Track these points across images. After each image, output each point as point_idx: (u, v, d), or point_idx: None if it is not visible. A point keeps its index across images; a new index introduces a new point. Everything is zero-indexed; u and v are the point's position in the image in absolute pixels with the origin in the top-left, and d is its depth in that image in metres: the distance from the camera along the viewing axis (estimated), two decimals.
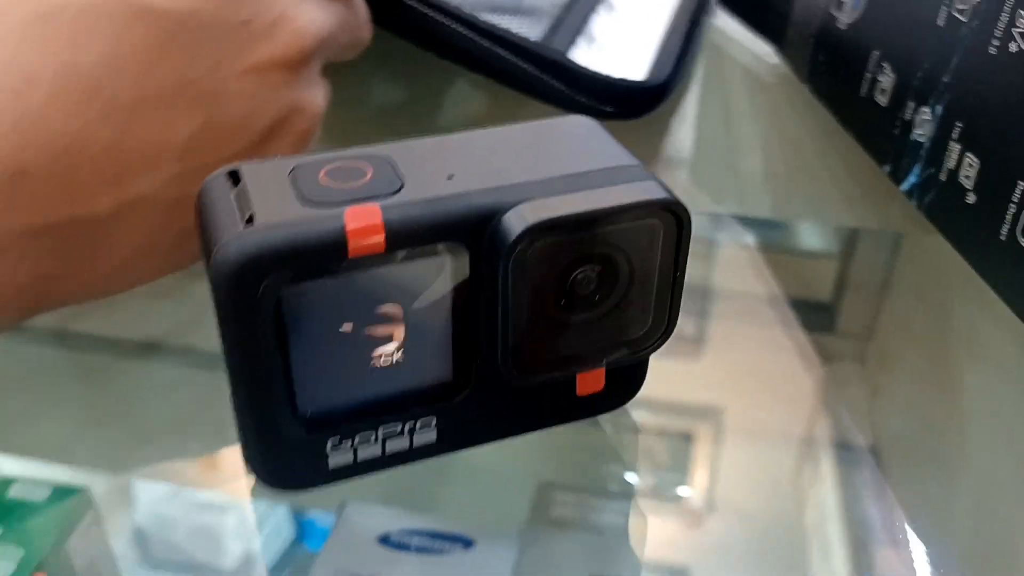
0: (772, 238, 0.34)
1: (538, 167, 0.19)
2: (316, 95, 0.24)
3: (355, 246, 0.17)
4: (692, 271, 0.20)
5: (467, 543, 0.21)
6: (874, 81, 0.30)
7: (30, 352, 0.26)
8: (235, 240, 0.16)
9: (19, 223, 0.19)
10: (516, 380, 0.20)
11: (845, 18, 0.32)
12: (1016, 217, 0.23)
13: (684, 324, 0.21)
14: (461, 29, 0.30)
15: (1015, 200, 0.23)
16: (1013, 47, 0.23)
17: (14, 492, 0.22)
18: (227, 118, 0.21)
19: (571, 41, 0.32)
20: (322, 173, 0.18)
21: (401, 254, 0.18)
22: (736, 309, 0.30)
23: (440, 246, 0.18)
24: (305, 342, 0.18)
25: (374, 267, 0.18)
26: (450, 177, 0.18)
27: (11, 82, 0.19)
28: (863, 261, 0.33)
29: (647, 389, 0.23)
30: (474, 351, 0.19)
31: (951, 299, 0.29)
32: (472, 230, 0.18)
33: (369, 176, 0.18)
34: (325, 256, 0.17)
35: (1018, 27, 0.23)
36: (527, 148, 0.20)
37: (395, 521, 0.22)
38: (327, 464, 0.20)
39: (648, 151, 0.36)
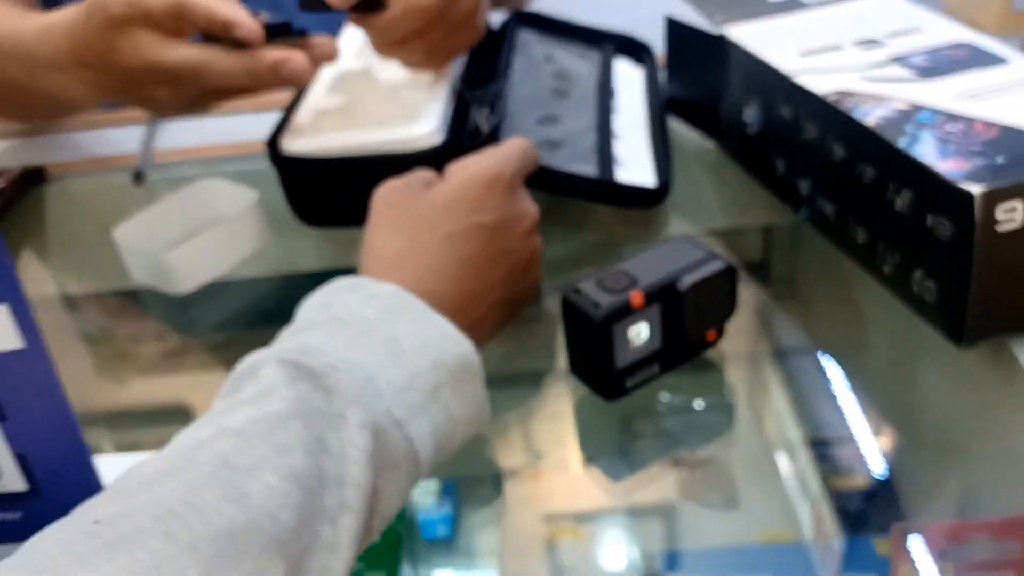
0: (729, 237, 0.61)
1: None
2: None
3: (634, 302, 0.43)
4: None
5: None
6: (775, 161, 0.58)
7: None
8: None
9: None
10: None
11: (751, 129, 0.60)
12: (849, 227, 0.51)
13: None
14: (558, 180, 0.57)
15: (845, 221, 0.51)
16: (837, 155, 0.51)
17: None
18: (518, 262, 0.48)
19: (613, 169, 0.60)
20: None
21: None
22: None
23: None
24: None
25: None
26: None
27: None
28: (778, 242, 0.62)
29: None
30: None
31: (825, 261, 0.57)
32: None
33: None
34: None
35: (837, 150, 0.51)
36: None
37: None
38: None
39: (667, 209, 0.63)
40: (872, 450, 0.47)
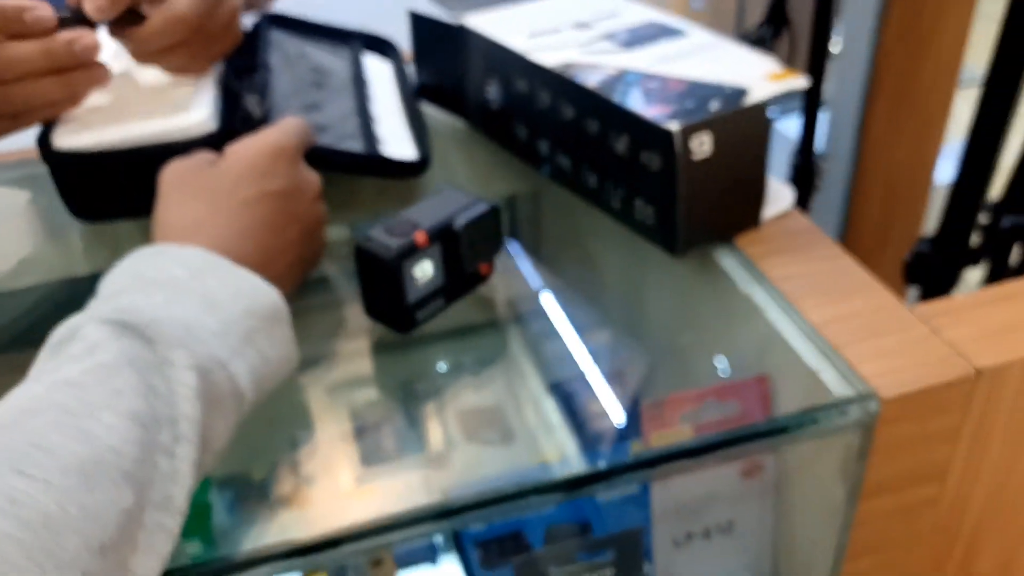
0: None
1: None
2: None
3: (418, 241, 0.51)
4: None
5: None
6: (517, 129, 0.68)
7: None
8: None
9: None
10: None
11: (495, 104, 0.69)
12: (583, 174, 0.62)
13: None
14: (331, 157, 0.63)
15: (579, 170, 0.62)
16: (567, 115, 0.61)
17: None
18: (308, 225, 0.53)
19: (377, 146, 0.67)
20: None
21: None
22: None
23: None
24: None
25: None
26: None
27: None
28: (525, 206, 0.72)
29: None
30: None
31: (569, 210, 0.68)
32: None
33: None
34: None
35: (567, 111, 0.61)
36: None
37: None
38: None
39: (428, 182, 0.71)
40: (633, 372, 0.58)
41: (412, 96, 0.77)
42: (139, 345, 0.40)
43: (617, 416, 0.56)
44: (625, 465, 0.42)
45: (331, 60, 0.79)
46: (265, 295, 0.46)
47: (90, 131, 0.59)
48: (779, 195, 0.59)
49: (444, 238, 0.52)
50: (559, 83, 0.61)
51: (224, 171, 0.52)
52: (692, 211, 0.55)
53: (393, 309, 0.52)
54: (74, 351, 0.40)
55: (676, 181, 0.53)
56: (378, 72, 0.81)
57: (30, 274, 0.61)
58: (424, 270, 0.52)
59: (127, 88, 0.65)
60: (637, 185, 0.57)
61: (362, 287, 0.53)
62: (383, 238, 0.50)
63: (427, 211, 0.53)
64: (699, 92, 0.56)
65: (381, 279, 0.51)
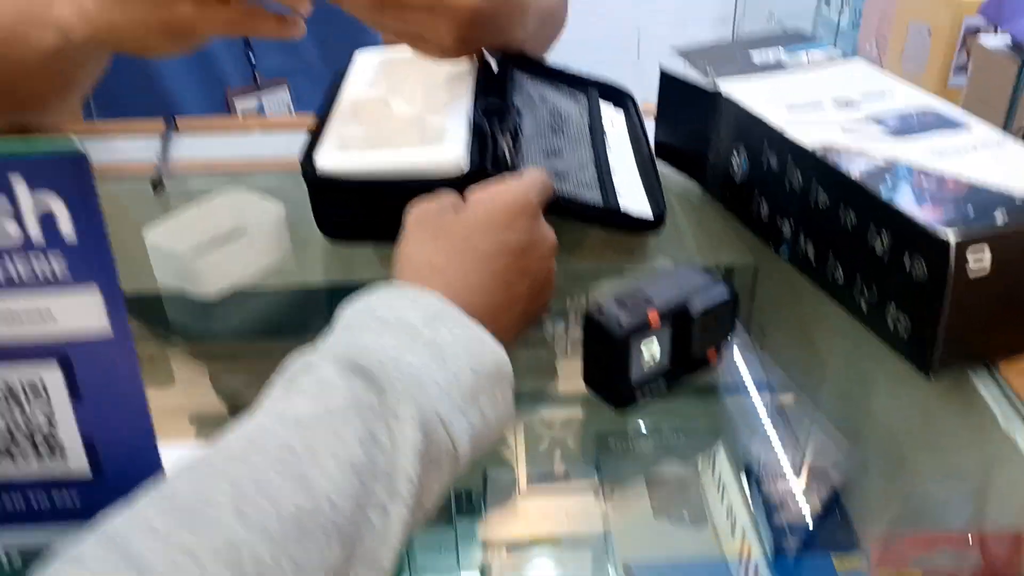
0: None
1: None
2: None
3: (652, 321, 0.48)
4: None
5: None
6: (759, 205, 0.64)
7: None
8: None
9: None
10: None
11: (738, 175, 0.66)
12: (829, 265, 0.57)
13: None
14: (570, 206, 0.62)
15: (825, 260, 0.57)
16: (821, 200, 0.57)
17: None
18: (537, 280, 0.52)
19: (616, 199, 0.65)
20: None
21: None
22: None
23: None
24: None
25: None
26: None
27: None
28: (756, 278, 0.68)
29: None
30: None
31: (797, 295, 0.63)
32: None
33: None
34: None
35: (821, 196, 0.57)
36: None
37: None
38: None
39: (655, 241, 0.68)
40: (836, 472, 0.53)
41: (648, 151, 0.75)
42: (369, 391, 0.40)
43: (810, 516, 0.51)
44: None
45: (569, 105, 0.78)
46: (492, 353, 0.45)
47: (350, 158, 0.61)
48: None
49: (677, 320, 0.49)
50: (816, 165, 0.57)
51: (467, 219, 0.52)
52: (956, 331, 0.49)
53: (613, 384, 0.50)
54: (305, 386, 0.40)
55: (944, 297, 0.48)
56: (614, 122, 0.79)
57: (276, 277, 0.63)
58: (652, 350, 0.49)
59: (383, 116, 0.67)
60: (893, 290, 0.52)
61: (585, 355, 0.51)
62: (615, 311, 0.48)
63: (662, 287, 0.50)
64: (981, 198, 0.51)
65: (607, 353, 0.49)
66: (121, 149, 0.78)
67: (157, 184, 0.69)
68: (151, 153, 0.75)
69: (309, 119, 0.67)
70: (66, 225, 0.34)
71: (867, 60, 0.70)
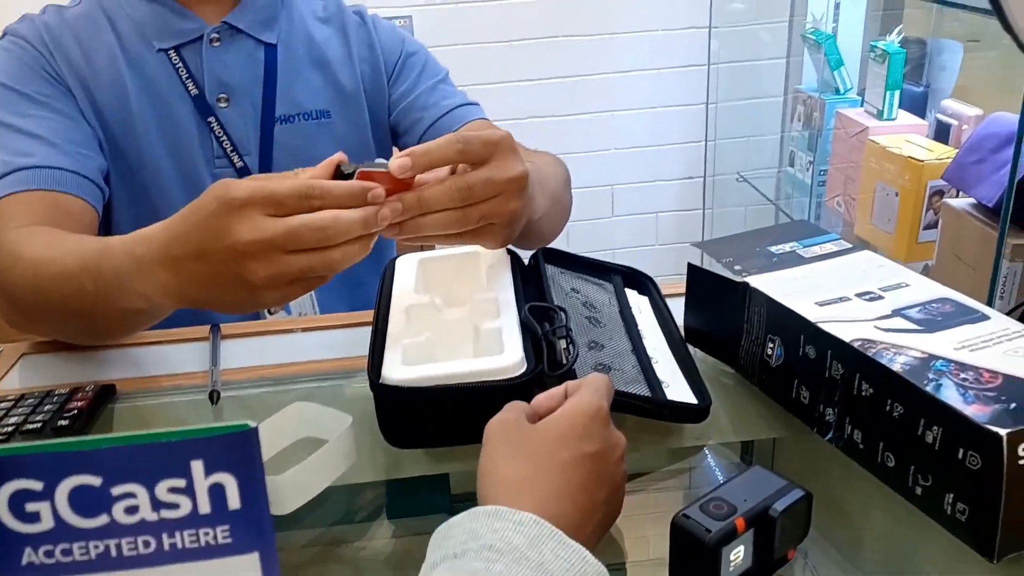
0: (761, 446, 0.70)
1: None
2: None
3: (739, 527, 0.51)
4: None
5: None
6: (798, 391, 0.68)
7: None
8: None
9: None
10: None
11: (773, 362, 0.70)
12: (880, 453, 0.61)
13: None
14: (626, 400, 0.65)
15: (875, 446, 0.61)
16: (866, 391, 0.61)
17: None
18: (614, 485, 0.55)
19: (663, 390, 0.68)
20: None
21: None
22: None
23: None
24: None
25: None
26: None
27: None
28: (808, 455, 0.71)
29: None
30: None
31: (836, 471, 0.66)
32: None
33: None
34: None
35: (864, 387, 0.61)
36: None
37: None
38: None
39: (692, 428, 0.71)
40: None
41: (679, 336, 0.79)
42: None
43: None
44: None
45: (599, 295, 0.83)
46: (594, 569, 0.47)
47: (414, 367, 0.64)
48: None
49: (760, 524, 0.52)
50: (858, 359, 0.61)
51: (545, 431, 0.55)
52: (1014, 516, 0.53)
53: None
54: None
55: (1001, 486, 0.52)
56: (640, 308, 0.84)
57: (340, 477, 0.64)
58: (738, 554, 0.51)
59: (437, 321, 0.71)
60: (948, 479, 0.56)
61: (671, 562, 0.53)
62: (701, 518, 0.51)
63: (741, 492, 0.53)
64: (1018, 390, 0.55)
65: (696, 560, 0.51)
66: (168, 358, 0.79)
67: (214, 395, 0.71)
68: (193, 362, 0.77)
69: (336, 318, 0.70)
70: (233, 498, 0.36)
71: (868, 254, 0.76)
